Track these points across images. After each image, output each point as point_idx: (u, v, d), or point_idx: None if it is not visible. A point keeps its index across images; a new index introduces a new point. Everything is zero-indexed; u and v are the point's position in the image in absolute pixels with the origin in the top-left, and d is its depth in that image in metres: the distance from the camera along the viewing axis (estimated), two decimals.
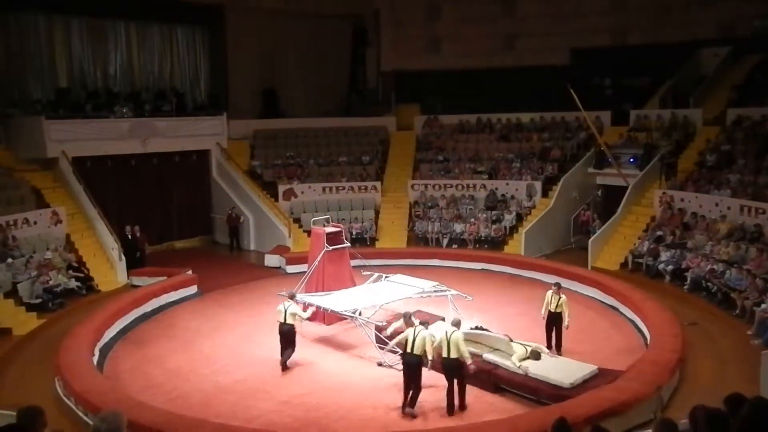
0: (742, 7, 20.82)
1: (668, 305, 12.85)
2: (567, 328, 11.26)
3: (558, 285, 11.48)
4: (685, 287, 14.71)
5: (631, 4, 23.07)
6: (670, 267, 15.43)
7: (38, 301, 14.01)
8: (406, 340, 9.19)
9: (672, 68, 21.66)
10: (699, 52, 21.77)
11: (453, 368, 9.11)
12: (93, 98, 19.80)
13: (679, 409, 8.46)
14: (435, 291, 13.14)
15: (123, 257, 16.68)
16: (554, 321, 11.27)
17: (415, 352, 9.06)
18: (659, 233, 16.66)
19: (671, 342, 10.59)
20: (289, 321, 10.96)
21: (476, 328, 11.22)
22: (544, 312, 11.38)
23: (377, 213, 21.00)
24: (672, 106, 20.69)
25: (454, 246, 19.46)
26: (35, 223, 16.07)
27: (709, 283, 14.08)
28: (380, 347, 11.32)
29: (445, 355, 9.13)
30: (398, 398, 9.72)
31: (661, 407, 8.88)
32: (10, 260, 14.48)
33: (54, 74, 19.73)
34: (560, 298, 11.21)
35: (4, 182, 16.79)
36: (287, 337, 11.00)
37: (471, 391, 9.97)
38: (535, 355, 10.11)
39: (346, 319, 12.40)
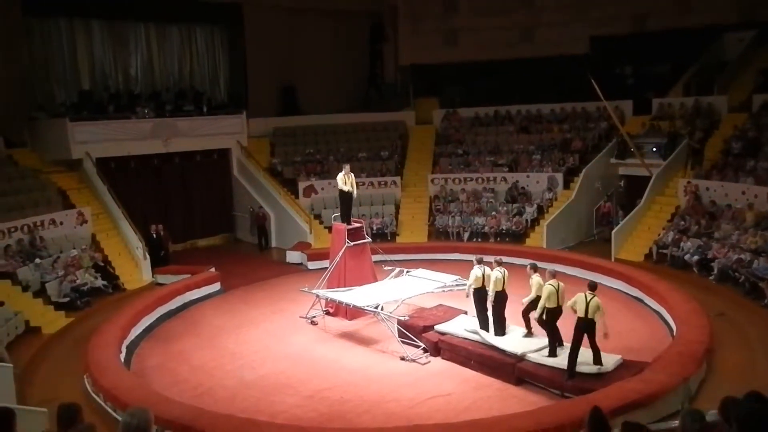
0: None
1: (694, 296, 12.64)
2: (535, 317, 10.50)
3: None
4: (712, 277, 14.46)
5: None
6: (696, 257, 15.18)
7: (66, 299, 14.27)
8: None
9: (695, 54, 21.21)
10: (722, 37, 21.27)
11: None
12: (115, 100, 20.07)
13: (707, 400, 8.35)
14: (457, 285, 13.14)
15: (147, 256, 16.92)
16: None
17: (589, 316, 9.46)
18: (684, 223, 16.39)
19: (698, 333, 10.45)
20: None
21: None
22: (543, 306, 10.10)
23: (397, 208, 20.98)
24: (696, 93, 20.30)
25: (475, 240, 19.37)
26: (62, 223, 16.36)
27: (736, 273, 13.83)
28: (403, 341, 11.35)
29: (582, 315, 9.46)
30: (421, 392, 9.77)
31: (689, 398, 8.77)
32: (38, 260, 14.78)
33: (77, 77, 20.05)
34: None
35: (31, 184, 17.11)
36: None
37: (494, 384, 9.97)
38: (479, 260, 11.09)
39: (368, 314, 12.45)
